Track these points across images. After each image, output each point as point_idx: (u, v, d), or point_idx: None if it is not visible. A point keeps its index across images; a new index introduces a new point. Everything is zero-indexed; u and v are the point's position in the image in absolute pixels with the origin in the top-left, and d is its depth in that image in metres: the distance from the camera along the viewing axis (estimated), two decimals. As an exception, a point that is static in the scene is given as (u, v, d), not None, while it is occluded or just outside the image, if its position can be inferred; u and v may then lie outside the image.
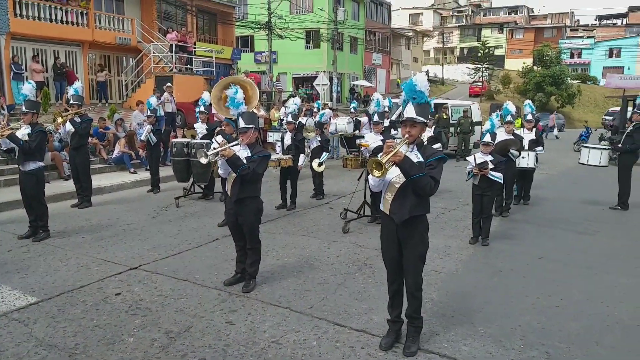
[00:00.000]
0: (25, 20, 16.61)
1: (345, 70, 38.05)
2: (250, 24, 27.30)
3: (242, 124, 4.85)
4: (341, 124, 12.33)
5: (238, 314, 4.44)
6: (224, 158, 4.67)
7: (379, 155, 3.57)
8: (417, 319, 3.87)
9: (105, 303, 4.63)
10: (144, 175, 11.25)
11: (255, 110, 14.91)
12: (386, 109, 8.19)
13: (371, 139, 7.52)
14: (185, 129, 15.06)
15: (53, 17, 17.50)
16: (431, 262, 5.61)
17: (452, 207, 9.06)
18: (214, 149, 4.91)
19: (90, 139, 10.53)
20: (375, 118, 7.81)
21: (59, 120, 8.46)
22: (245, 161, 4.73)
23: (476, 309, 4.66)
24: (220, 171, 4.93)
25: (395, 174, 3.65)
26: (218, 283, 5.12)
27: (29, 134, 6.66)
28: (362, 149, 7.86)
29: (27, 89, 7.09)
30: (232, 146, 4.78)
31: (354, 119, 13.49)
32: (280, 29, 27.66)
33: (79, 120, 8.55)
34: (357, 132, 12.16)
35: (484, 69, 48.53)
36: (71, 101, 8.83)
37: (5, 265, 5.64)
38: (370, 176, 3.64)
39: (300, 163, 8.69)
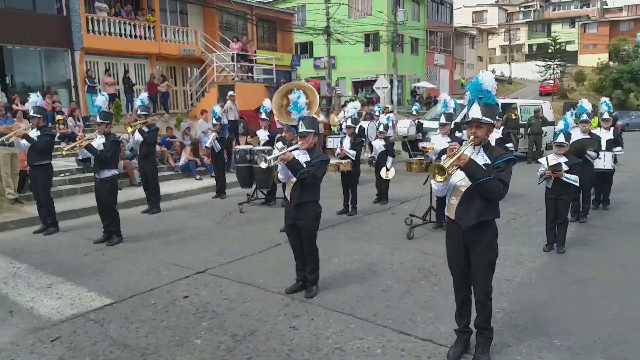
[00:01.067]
0: (97, 35, 17.69)
1: (406, 72, 37.56)
2: (309, 30, 27.61)
3: (302, 128, 4.86)
4: (403, 127, 12.12)
5: (301, 319, 4.43)
6: (283, 162, 4.69)
7: (442, 158, 3.43)
8: (487, 329, 3.68)
9: (174, 305, 4.77)
10: (209, 181, 11.60)
11: (315, 116, 15.03)
12: (451, 110, 7.94)
13: (437, 142, 7.32)
14: (248, 136, 15.40)
15: (122, 32, 18.53)
16: (502, 270, 5.35)
17: (523, 213, 8.63)
18: (274, 154, 4.95)
19: (158, 147, 11.01)
20: (442, 119, 7.59)
21: (129, 130, 8.90)
22: (304, 165, 4.73)
23: (552, 320, 4.37)
24: (280, 176, 4.96)
25: (460, 177, 3.50)
26: (281, 288, 5.14)
27: (103, 144, 7.03)
28: (428, 152, 7.66)
29: (101, 100, 7.53)
30: (291, 151, 4.79)
31: (417, 121, 13.23)
32: (339, 33, 27.76)
33: (147, 130, 8.96)
34: (420, 135, 11.91)
35: (555, 66, 46.20)
36: (138, 112, 9.29)
37: (82, 268, 5.97)
38: (434, 183, 3.51)
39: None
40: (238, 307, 4.70)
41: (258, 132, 9.73)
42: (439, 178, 3.30)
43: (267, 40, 26.99)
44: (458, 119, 11.74)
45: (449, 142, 6.53)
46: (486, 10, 67.95)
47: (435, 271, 5.63)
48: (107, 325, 4.38)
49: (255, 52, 22.24)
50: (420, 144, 9.05)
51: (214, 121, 10.33)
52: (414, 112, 14.80)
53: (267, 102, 9.65)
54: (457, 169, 3.37)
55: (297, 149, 4.88)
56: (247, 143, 13.72)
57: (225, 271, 5.75)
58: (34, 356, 3.87)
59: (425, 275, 5.54)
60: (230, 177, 11.44)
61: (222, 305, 4.75)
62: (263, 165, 4.68)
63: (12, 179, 9.10)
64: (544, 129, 16.11)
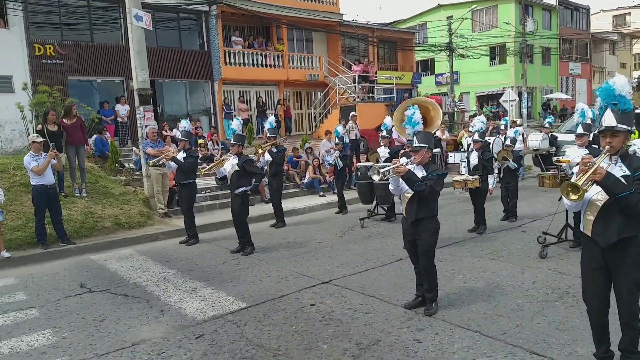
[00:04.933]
0: (233, 67, 19.44)
1: (537, 84, 35.26)
2: (430, 48, 27.39)
3: (415, 142, 4.88)
4: (534, 140, 11.42)
5: (425, 332, 4.40)
6: (398, 175, 4.72)
7: (574, 174, 3.21)
8: (634, 354, 3.33)
9: (302, 312, 5.04)
10: (332, 198, 12.01)
11: (439, 133, 14.76)
12: (589, 121, 7.32)
13: (573, 154, 6.79)
14: (369, 154, 15.63)
15: (255, 62, 20.13)
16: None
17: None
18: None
19: (285, 166, 11.71)
20: (579, 130, 7.04)
21: (259, 151, 9.62)
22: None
23: None
24: (390, 187, 5.01)
25: (595, 191, 3.24)
26: (403, 301, 5.14)
27: (237, 164, 7.71)
28: (563, 165, 7.14)
29: (236, 124, 8.35)
30: (405, 164, 4.80)
31: (550, 135, 12.38)
32: (462, 48, 27.11)
33: (275, 150, 9.62)
34: (553, 148, 11.13)
35: None
36: (268, 134, 10.02)
37: (221, 275, 6.57)
38: (565, 199, 3.29)
39: (490, 185, 8.26)
40: (361, 317, 4.81)
41: (378, 149, 9.87)
42: (573, 196, 3.08)
43: (388, 60, 27.31)
44: (597, 131, 10.72)
45: (585, 155, 6.07)
46: (629, 13, 61.06)
47: (572, 292, 5.21)
48: (243, 326, 4.77)
49: (376, 73, 22.64)
50: (555, 158, 8.44)
51: (337, 140, 10.73)
52: (547, 125, 13.86)
53: (387, 120, 9.79)
54: (592, 184, 3.14)
55: (411, 162, 4.90)
56: (367, 160, 13.95)
57: (349, 282, 5.91)
58: (181, 350, 4.35)
59: (561, 296, 5.16)
60: (351, 194, 11.72)
61: (347, 315, 4.90)
62: (375, 177, 4.78)
63: (162, 196, 10.33)
64: None
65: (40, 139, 8.20)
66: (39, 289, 6.34)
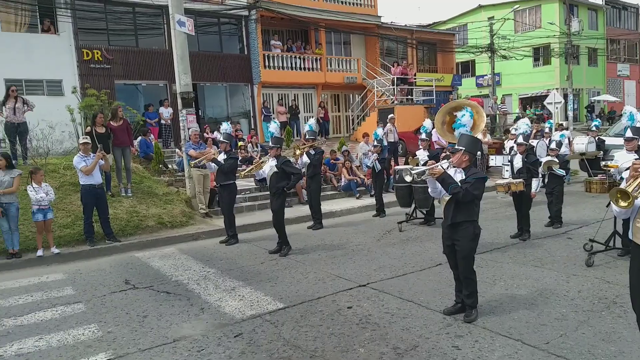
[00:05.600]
0: (272, 70, 19.67)
1: (583, 86, 34.05)
2: (471, 49, 26.89)
3: (456, 145, 4.84)
4: (580, 143, 11.04)
5: (464, 339, 4.32)
6: (432, 177, 4.66)
7: (624, 179, 3.09)
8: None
9: (339, 314, 5.04)
10: (369, 200, 11.95)
11: (480, 136, 14.47)
12: (638, 124, 7.02)
13: (622, 159, 6.54)
14: (408, 158, 15.49)
15: (293, 65, 20.29)
16: None
17: None
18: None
19: (322, 168, 11.75)
20: (628, 133, 6.77)
21: (297, 152, 9.71)
22: (458, 183, 4.65)
23: None
24: (429, 189, 4.97)
25: None
26: (442, 307, 5.06)
27: (276, 165, 7.81)
28: (611, 170, 6.88)
29: (273, 127, 8.51)
30: (441, 165, 4.73)
31: (597, 138, 11.94)
32: (504, 49, 26.49)
33: (313, 152, 9.68)
34: (600, 152, 10.72)
35: None
36: (307, 136, 10.09)
37: (260, 275, 6.66)
38: (614, 206, 3.17)
39: (534, 189, 8.03)
40: (399, 322, 4.77)
41: (417, 152, 9.78)
42: (622, 203, 2.98)
43: (427, 62, 26.99)
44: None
45: (635, 160, 5.82)
46: (683, 11, 58.19)
47: (620, 302, 5.00)
48: (280, 326, 4.82)
49: (415, 75, 22.40)
50: (602, 162, 8.12)
51: (375, 143, 10.68)
52: (594, 128, 13.37)
53: (427, 123, 9.68)
54: None
55: (447, 164, 4.83)
56: (406, 163, 13.82)
57: (386, 286, 5.87)
58: (220, 348, 4.43)
59: (608, 306, 4.96)
60: (389, 197, 11.63)
61: (384, 319, 4.87)
62: (408, 178, 4.75)
63: (203, 196, 10.56)
64: None
65: (89, 141, 8.55)
66: (86, 285, 6.60)
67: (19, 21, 15.21)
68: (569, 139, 11.95)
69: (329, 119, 21.63)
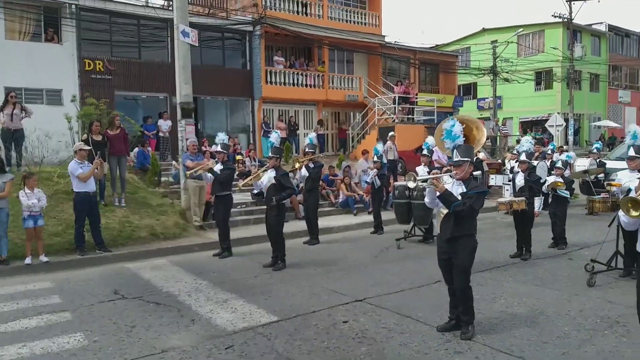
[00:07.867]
0: (274, 86, 19.65)
1: (584, 111, 34.14)
2: (473, 71, 27.03)
3: (456, 156, 4.68)
4: (581, 165, 10.96)
5: (464, 356, 4.15)
6: (433, 187, 4.57)
7: (633, 190, 2.99)
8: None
9: (334, 329, 4.86)
10: (367, 217, 11.78)
11: (480, 154, 14.34)
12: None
13: (625, 177, 6.43)
14: (406, 176, 15.38)
15: (295, 81, 20.31)
16: None
17: None
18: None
19: (320, 184, 11.62)
20: (631, 152, 6.66)
21: (296, 165, 9.60)
22: (459, 197, 4.52)
23: None
24: (426, 199, 4.85)
25: None
26: (441, 323, 4.89)
27: (274, 177, 7.68)
28: (614, 189, 6.77)
29: (274, 137, 8.47)
30: (443, 175, 4.62)
31: (598, 160, 11.87)
32: (507, 72, 26.64)
33: (312, 166, 9.57)
34: (602, 170, 10.65)
35: None
36: (306, 149, 10.00)
37: (253, 288, 6.48)
38: (623, 215, 3.05)
39: (536, 208, 7.89)
40: (397, 337, 4.60)
41: (417, 168, 9.65)
42: (634, 213, 2.89)
43: (429, 82, 27.08)
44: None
45: (638, 179, 5.71)
46: (683, 40, 58.83)
47: (623, 321, 4.85)
48: (273, 339, 4.64)
49: (416, 95, 22.44)
50: (605, 182, 8.01)
51: (375, 158, 10.58)
52: (594, 151, 13.31)
53: (430, 139, 9.59)
54: None
55: (450, 176, 4.72)
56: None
57: (383, 302, 5.70)
58: (210, 359, 4.26)
59: (610, 325, 4.80)
60: (387, 215, 11.48)
61: (381, 334, 4.69)
62: (411, 184, 4.64)
63: (198, 208, 10.40)
64: None
65: (87, 147, 8.45)
66: (74, 294, 6.41)
67: (23, 30, 15.23)
68: (572, 160, 11.86)
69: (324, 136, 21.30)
